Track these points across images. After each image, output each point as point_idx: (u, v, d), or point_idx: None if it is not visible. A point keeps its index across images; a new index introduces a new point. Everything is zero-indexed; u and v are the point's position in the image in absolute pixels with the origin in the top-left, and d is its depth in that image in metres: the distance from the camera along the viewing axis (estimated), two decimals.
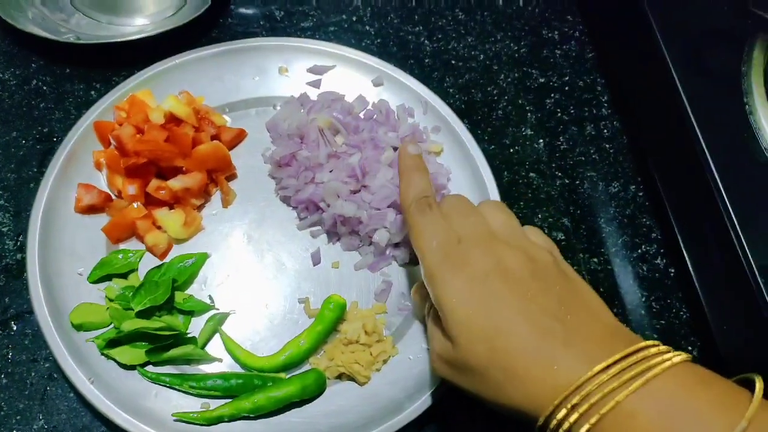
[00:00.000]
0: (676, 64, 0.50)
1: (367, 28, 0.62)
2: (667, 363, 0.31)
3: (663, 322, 0.50)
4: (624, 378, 0.31)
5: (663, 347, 0.33)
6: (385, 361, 0.47)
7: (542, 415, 0.32)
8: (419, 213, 0.40)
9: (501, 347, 0.34)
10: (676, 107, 0.49)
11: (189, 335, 0.46)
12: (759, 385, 0.31)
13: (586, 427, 0.31)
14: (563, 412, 0.32)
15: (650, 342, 0.33)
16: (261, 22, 0.61)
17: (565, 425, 0.32)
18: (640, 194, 0.56)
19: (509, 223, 0.40)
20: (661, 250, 0.53)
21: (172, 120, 0.51)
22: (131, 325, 0.44)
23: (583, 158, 0.57)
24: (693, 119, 0.48)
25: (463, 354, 0.35)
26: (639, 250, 0.53)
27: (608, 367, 0.32)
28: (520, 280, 0.36)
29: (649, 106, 0.55)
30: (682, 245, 0.50)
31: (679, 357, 0.32)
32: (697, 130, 0.47)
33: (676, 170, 0.51)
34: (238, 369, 0.46)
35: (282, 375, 0.46)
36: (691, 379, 0.31)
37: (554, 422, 0.32)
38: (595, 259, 0.52)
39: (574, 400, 0.31)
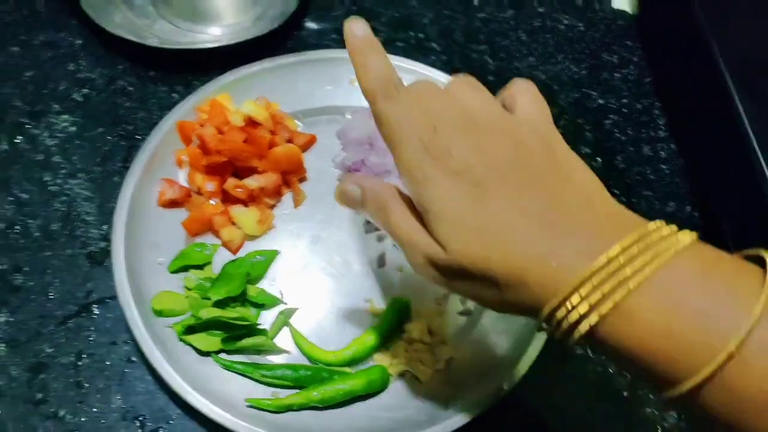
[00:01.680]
0: (740, 92, 0.51)
1: (434, 44, 0.64)
2: (670, 252, 0.29)
3: None
4: (624, 274, 0.28)
5: (666, 229, 0.30)
6: (446, 362, 0.48)
7: (542, 314, 0.31)
8: (387, 100, 0.34)
9: (497, 245, 0.31)
10: (737, 131, 0.51)
11: (260, 327, 0.49)
12: None
13: (586, 327, 0.29)
14: (562, 311, 0.30)
15: (653, 225, 0.30)
16: (333, 36, 0.64)
17: (564, 326, 0.30)
18: (695, 214, 0.57)
19: (486, 102, 0.35)
20: None
21: (250, 123, 0.54)
22: (209, 313, 0.47)
23: (639, 178, 0.59)
24: (754, 141, 0.49)
25: (457, 257, 0.32)
26: None
27: (609, 261, 0.29)
28: (508, 170, 0.32)
29: (709, 129, 0.56)
30: None
31: (683, 242, 0.29)
32: (759, 152, 0.49)
33: (736, 192, 0.53)
34: (304, 361, 0.48)
35: (348, 369, 0.48)
36: (695, 268, 0.29)
37: (554, 321, 0.30)
38: None
39: (574, 300, 0.29)
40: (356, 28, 0.36)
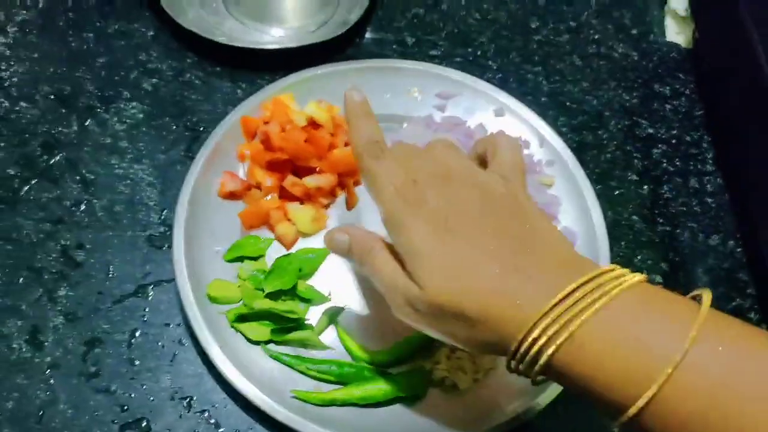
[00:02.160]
0: None
1: (490, 62, 0.66)
2: (617, 289, 0.32)
3: None
4: (578, 308, 0.32)
5: (619, 271, 0.33)
6: (486, 372, 0.49)
7: (510, 349, 0.34)
8: (372, 158, 0.39)
9: (468, 285, 0.34)
10: None
11: (307, 322, 0.50)
12: (705, 298, 0.32)
13: (545, 357, 0.32)
14: (525, 345, 0.33)
15: (607, 267, 0.34)
16: (393, 46, 0.66)
17: (528, 358, 0.33)
18: (738, 250, 0.58)
19: (459, 159, 0.40)
20: (755, 306, 0.55)
21: (312, 124, 0.55)
22: (262, 304, 0.48)
23: (684, 209, 0.60)
24: None
25: (432, 297, 0.35)
26: (733, 303, 0.55)
27: (566, 297, 0.32)
28: (478, 217, 0.36)
29: (758, 166, 0.57)
30: None
31: (631, 280, 0.33)
32: None
33: None
34: (347, 359, 0.49)
35: (390, 371, 0.49)
36: (640, 303, 0.32)
37: (519, 356, 0.33)
38: None
39: (535, 333, 0.32)
40: (355, 95, 0.42)
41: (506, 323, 0.33)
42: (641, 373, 0.30)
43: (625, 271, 0.34)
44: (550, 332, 0.32)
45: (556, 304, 0.32)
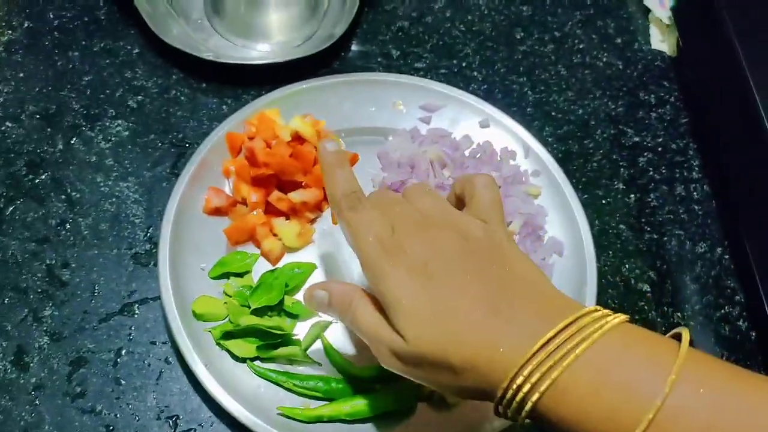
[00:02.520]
0: None
1: (475, 74, 0.66)
2: (598, 333, 0.32)
3: None
4: (560, 354, 0.32)
5: (598, 313, 0.34)
6: None
7: (497, 396, 0.33)
8: (350, 209, 0.40)
9: (450, 333, 0.34)
10: None
11: (294, 337, 0.50)
12: (684, 337, 0.32)
13: (530, 405, 0.32)
14: (510, 393, 0.33)
15: (587, 309, 0.34)
16: (378, 59, 0.66)
17: (514, 405, 0.33)
18: (726, 257, 0.58)
19: (436, 203, 0.41)
20: (744, 313, 0.55)
21: (297, 139, 0.55)
22: (248, 320, 0.48)
23: (671, 216, 0.60)
24: None
25: (416, 347, 0.35)
26: (722, 311, 0.55)
27: (547, 342, 0.32)
28: (457, 262, 0.36)
29: (744, 173, 0.57)
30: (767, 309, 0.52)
31: (612, 322, 0.33)
32: None
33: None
34: (335, 375, 0.49)
35: (379, 386, 0.49)
36: (621, 346, 0.32)
37: (505, 402, 0.33)
38: (679, 314, 0.55)
39: (519, 381, 0.32)
40: (329, 145, 0.43)
41: (491, 371, 0.33)
42: (625, 418, 0.30)
43: (607, 312, 0.34)
44: (533, 379, 0.32)
45: (538, 350, 0.32)
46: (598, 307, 0.34)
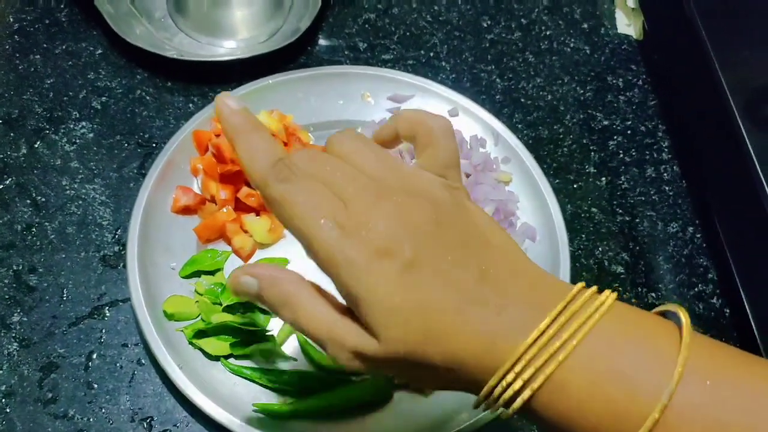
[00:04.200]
0: (743, 116, 0.53)
1: (443, 63, 0.66)
2: (593, 320, 0.29)
3: None
4: (554, 347, 0.29)
5: (587, 293, 0.30)
6: None
7: (482, 393, 0.30)
8: (280, 182, 0.31)
9: (434, 330, 0.29)
10: (740, 155, 0.52)
11: (269, 333, 0.49)
12: (684, 321, 0.29)
13: (520, 402, 0.29)
14: (499, 389, 0.29)
15: (574, 290, 0.30)
16: (345, 52, 0.65)
17: (501, 401, 0.30)
18: (698, 236, 0.58)
19: (383, 161, 0.32)
20: (717, 291, 0.55)
21: None
22: (220, 318, 0.48)
23: (643, 198, 0.60)
24: (758, 166, 0.50)
25: (392, 347, 0.30)
26: (695, 289, 0.55)
27: (539, 336, 0.29)
28: (432, 238, 0.30)
29: (713, 153, 0.58)
30: (740, 286, 0.52)
31: (605, 304, 0.30)
32: (762, 177, 0.50)
33: (738, 215, 0.54)
34: (311, 369, 0.49)
35: (354, 378, 0.48)
36: (618, 333, 0.29)
37: (492, 399, 0.30)
38: (653, 294, 0.55)
39: (509, 378, 0.29)
40: (230, 101, 0.33)
41: (476, 368, 0.30)
42: (628, 415, 0.28)
43: (593, 290, 0.31)
44: (525, 375, 0.29)
45: (531, 344, 0.29)
46: (582, 285, 0.31)
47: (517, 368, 0.29)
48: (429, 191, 0.32)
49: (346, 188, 0.31)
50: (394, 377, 0.47)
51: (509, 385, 0.29)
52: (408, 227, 0.30)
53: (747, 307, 0.51)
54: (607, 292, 0.30)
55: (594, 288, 0.31)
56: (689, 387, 0.28)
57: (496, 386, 0.30)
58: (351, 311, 0.31)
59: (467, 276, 0.30)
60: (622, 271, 0.56)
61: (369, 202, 0.30)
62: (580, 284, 0.31)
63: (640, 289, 0.55)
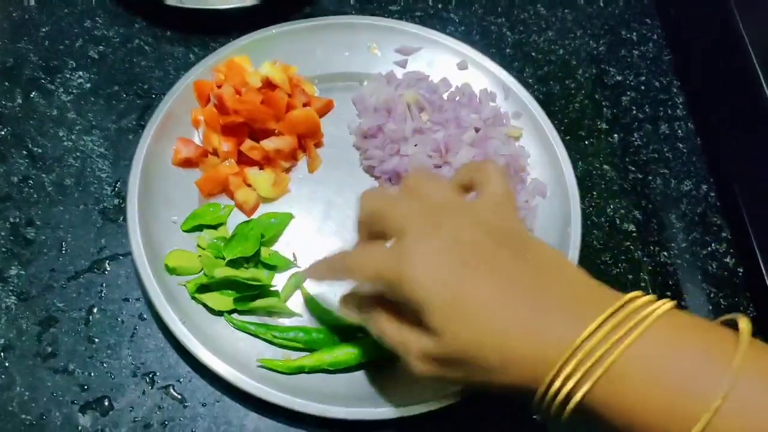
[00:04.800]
0: (764, 69, 0.51)
1: (452, 15, 0.64)
2: (650, 318, 0.31)
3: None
4: (611, 340, 0.30)
5: (645, 298, 0.32)
6: None
7: (540, 389, 0.32)
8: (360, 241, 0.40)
9: (491, 329, 0.32)
10: (759, 111, 0.50)
11: (273, 288, 0.48)
12: (744, 326, 0.31)
13: (581, 394, 0.30)
14: (558, 383, 0.31)
15: (632, 294, 0.32)
16: (351, 2, 0.63)
17: (561, 396, 0.31)
18: (712, 194, 0.57)
19: (444, 191, 0.38)
20: (731, 250, 0.54)
21: (268, 85, 0.53)
22: (223, 272, 0.46)
23: (656, 155, 0.58)
24: None
25: (450, 344, 0.33)
26: (709, 248, 0.54)
27: (595, 330, 0.31)
28: (485, 250, 0.34)
29: (729, 109, 0.56)
30: (755, 245, 0.51)
31: (662, 308, 0.31)
32: None
33: (755, 173, 0.52)
34: (315, 325, 0.48)
35: (359, 335, 0.47)
36: (676, 331, 0.31)
37: (550, 395, 0.31)
38: (665, 253, 0.54)
39: (568, 369, 0.31)
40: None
41: (531, 365, 0.32)
42: (683, 412, 0.29)
43: (651, 297, 0.32)
44: (584, 367, 0.30)
45: (586, 339, 0.30)
46: (639, 293, 0.32)
47: (571, 366, 0.30)
48: (484, 215, 0.36)
49: (408, 219, 0.36)
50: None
51: (568, 378, 0.31)
52: (460, 238, 0.34)
53: (762, 265, 0.50)
54: (664, 299, 0.32)
55: (650, 296, 0.32)
56: (744, 388, 0.28)
57: (553, 381, 0.31)
58: (419, 323, 0.35)
59: (519, 283, 0.33)
60: (634, 229, 0.54)
61: (430, 223, 0.35)
62: (638, 292, 0.32)
63: (652, 248, 0.54)
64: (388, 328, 0.37)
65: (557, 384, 0.31)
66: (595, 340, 0.30)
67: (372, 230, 0.39)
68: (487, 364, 0.33)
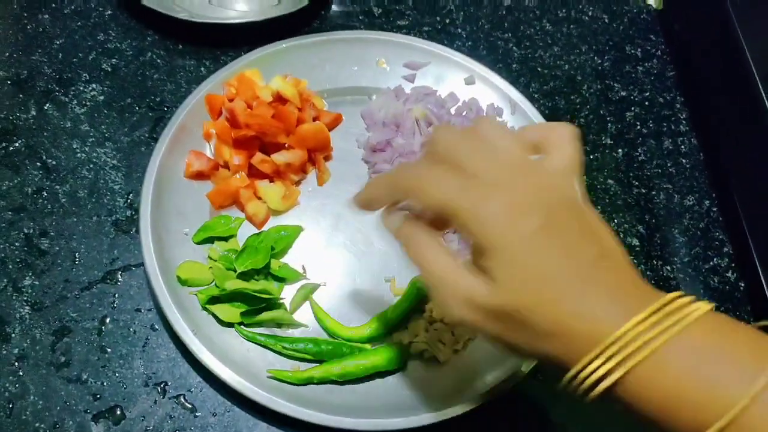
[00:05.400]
0: (766, 85, 0.52)
1: (459, 30, 0.65)
2: (695, 314, 0.31)
3: None
4: (654, 332, 0.31)
5: (686, 297, 0.32)
6: (465, 343, 0.49)
7: (578, 364, 0.32)
8: (426, 164, 0.36)
9: (548, 295, 0.32)
10: (762, 127, 0.51)
11: (281, 301, 0.49)
12: None
13: (613, 378, 0.31)
14: (596, 364, 0.31)
15: (674, 294, 0.33)
16: (360, 17, 0.64)
17: (594, 377, 0.31)
18: (714, 209, 0.58)
19: (517, 146, 0.36)
20: (732, 264, 0.55)
21: (278, 99, 0.54)
22: (234, 284, 0.47)
23: (659, 170, 0.59)
24: None
25: (506, 297, 0.33)
26: (711, 263, 0.55)
27: (637, 324, 0.31)
28: (561, 217, 0.33)
29: (732, 125, 0.57)
30: (756, 260, 0.52)
31: (704, 308, 0.32)
32: None
33: (757, 188, 0.53)
34: (324, 336, 0.49)
35: (367, 346, 0.48)
36: (716, 330, 0.31)
37: (585, 373, 0.32)
38: (668, 267, 0.54)
39: (608, 354, 0.31)
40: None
41: (578, 339, 0.32)
42: (704, 411, 0.30)
43: (692, 297, 0.33)
44: (619, 357, 0.31)
45: (633, 326, 0.31)
46: (681, 293, 0.33)
47: (613, 349, 0.31)
48: (558, 182, 0.35)
49: (477, 159, 0.34)
50: (412, 343, 0.47)
51: (603, 364, 0.31)
52: (542, 200, 0.33)
53: (763, 280, 0.51)
54: (704, 300, 0.32)
55: (691, 296, 0.33)
56: None
57: (589, 363, 0.31)
58: (468, 266, 0.34)
59: (587, 256, 0.33)
60: (638, 243, 0.55)
61: (511, 174, 0.34)
62: (680, 292, 0.33)
63: (655, 262, 0.54)
64: (435, 259, 0.35)
65: (594, 365, 0.31)
66: (637, 331, 0.31)
67: (439, 158, 0.36)
68: (534, 329, 0.32)
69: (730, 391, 0.29)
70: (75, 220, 0.51)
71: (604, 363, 0.31)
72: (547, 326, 0.32)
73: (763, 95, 0.51)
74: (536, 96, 0.62)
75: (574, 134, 0.37)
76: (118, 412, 0.45)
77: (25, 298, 0.48)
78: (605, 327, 0.31)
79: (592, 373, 0.31)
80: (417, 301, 0.49)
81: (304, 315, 0.49)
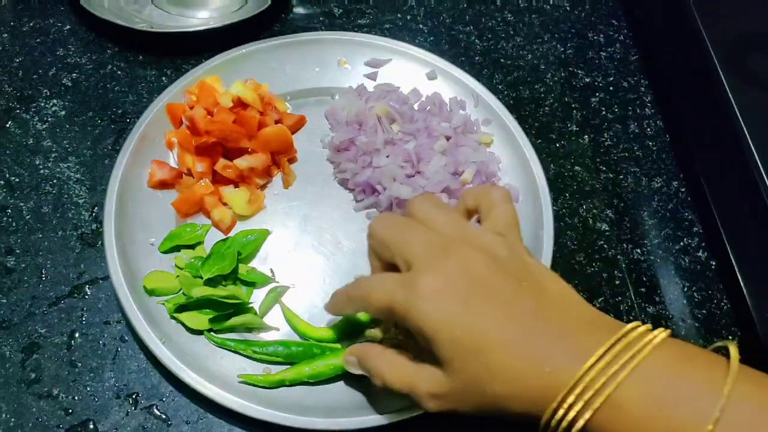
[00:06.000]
0: (724, 66, 0.52)
1: (421, 26, 0.65)
2: (647, 348, 0.32)
3: (704, 311, 0.52)
4: (611, 370, 0.32)
5: (642, 328, 0.34)
6: None
7: (544, 417, 0.33)
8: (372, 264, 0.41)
9: (496, 360, 0.34)
10: (722, 107, 0.51)
11: (250, 305, 0.49)
12: (733, 353, 0.32)
13: (582, 422, 0.32)
14: (561, 412, 0.32)
15: (630, 325, 0.34)
16: (320, 18, 0.64)
17: (564, 423, 0.32)
18: (682, 190, 0.58)
19: (451, 221, 0.39)
20: (703, 244, 0.55)
21: (239, 104, 0.54)
22: (201, 291, 0.47)
23: (626, 154, 0.59)
24: (740, 118, 0.50)
25: (457, 377, 0.35)
26: (681, 243, 0.55)
27: (597, 360, 0.32)
28: (491, 282, 0.35)
29: (696, 106, 0.57)
30: (725, 238, 0.52)
31: (659, 337, 0.33)
32: (744, 129, 0.49)
33: (722, 167, 0.53)
34: (295, 338, 0.48)
35: (338, 345, 0.48)
36: (671, 361, 0.32)
37: (554, 422, 0.33)
38: (638, 250, 0.54)
39: (570, 399, 0.32)
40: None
41: (537, 393, 0.33)
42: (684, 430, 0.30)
43: (648, 326, 0.34)
44: (586, 396, 0.32)
45: (588, 369, 0.32)
46: (638, 323, 0.34)
47: (577, 390, 0.32)
48: (489, 245, 0.37)
49: (413, 249, 0.37)
50: (384, 340, 0.47)
51: (571, 407, 0.32)
52: (467, 271, 0.35)
53: (732, 258, 0.51)
54: (660, 329, 0.34)
55: (648, 326, 0.34)
56: (733, 416, 0.30)
57: (557, 409, 0.32)
58: (428, 360, 0.36)
59: (524, 310, 0.34)
60: (607, 228, 0.55)
61: (436, 255, 0.36)
62: (636, 323, 0.34)
63: (625, 245, 0.54)
64: (390, 368, 0.38)
65: (560, 413, 0.32)
66: (595, 372, 0.32)
67: (382, 257, 0.40)
68: (495, 396, 0.34)
69: (693, 420, 0.30)
70: (40, 236, 0.51)
71: (569, 409, 0.32)
72: (506, 390, 0.34)
73: (722, 76, 0.52)
74: (500, 87, 0.62)
75: (506, 195, 0.41)
76: (91, 426, 0.45)
77: None
78: (561, 376, 0.32)
79: (561, 419, 0.32)
80: None
81: (274, 318, 0.49)
